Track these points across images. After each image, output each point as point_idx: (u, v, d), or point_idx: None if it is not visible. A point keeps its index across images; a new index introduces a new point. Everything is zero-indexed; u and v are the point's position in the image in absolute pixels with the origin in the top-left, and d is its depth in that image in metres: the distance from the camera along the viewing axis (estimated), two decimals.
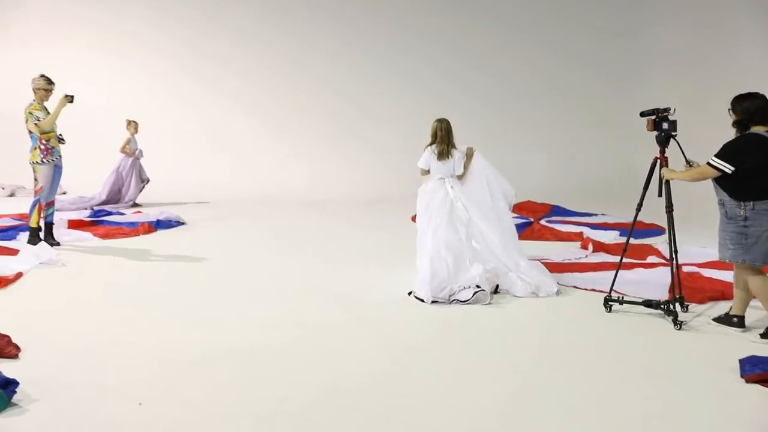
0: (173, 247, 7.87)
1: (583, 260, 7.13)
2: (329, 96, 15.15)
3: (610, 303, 5.28)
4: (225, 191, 13.37)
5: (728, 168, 4.56)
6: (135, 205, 11.73)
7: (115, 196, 11.70)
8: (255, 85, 15.31)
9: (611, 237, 8.40)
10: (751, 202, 4.55)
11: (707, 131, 12.19)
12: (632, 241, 8.16)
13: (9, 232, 8.36)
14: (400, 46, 15.13)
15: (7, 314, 5.04)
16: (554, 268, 6.46)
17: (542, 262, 6.51)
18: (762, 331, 4.70)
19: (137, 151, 11.97)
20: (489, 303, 5.54)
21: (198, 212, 10.92)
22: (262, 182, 14.09)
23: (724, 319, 4.94)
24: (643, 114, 5.15)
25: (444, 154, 6.26)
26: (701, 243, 7.75)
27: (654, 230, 8.94)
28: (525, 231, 8.57)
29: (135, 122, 11.97)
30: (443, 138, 6.26)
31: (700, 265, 6.62)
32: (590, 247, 7.58)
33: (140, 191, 11.98)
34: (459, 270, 5.75)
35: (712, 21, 13.00)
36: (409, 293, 5.81)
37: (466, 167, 6.36)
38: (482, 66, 15.05)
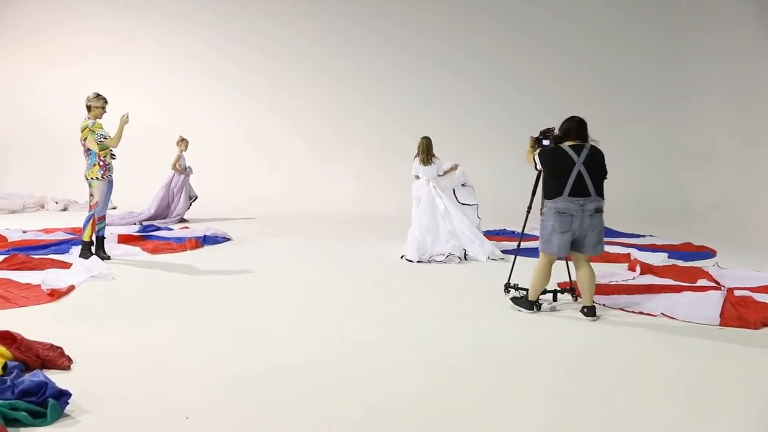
0: (219, 263, 7.99)
1: (631, 282, 6.98)
2: (374, 115, 15.32)
3: (509, 288, 6.16)
4: (272, 208, 13.56)
5: (538, 164, 5.56)
6: (182, 220, 11.96)
7: (163, 212, 11.95)
8: (304, 104, 15.58)
9: (660, 259, 8.24)
10: (546, 201, 5.47)
11: (744, 153, 12.00)
12: (682, 263, 8.09)
13: (62, 246, 8.61)
14: (446, 66, 15.25)
15: (59, 326, 5.16)
16: (601, 289, 6.32)
17: None
18: (514, 296, 5.92)
19: (188, 168, 12.21)
20: (459, 263, 8.01)
21: (245, 228, 11.08)
22: (308, 199, 14.26)
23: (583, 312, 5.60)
24: (540, 132, 5.89)
25: (425, 161, 8.83)
26: (755, 267, 7.59)
27: (705, 253, 8.74)
28: None
29: (186, 140, 12.22)
30: (424, 150, 8.81)
31: (752, 290, 6.44)
32: (638, 269, 7.43)
33: (188, 208, 12.22)
34: (435, 242, 8.28)
35: (756, 52, 12.76)
36: (401, 257, 8.20)
37: (446, 172, 9.01)
38: (529, 90, 15.03)
